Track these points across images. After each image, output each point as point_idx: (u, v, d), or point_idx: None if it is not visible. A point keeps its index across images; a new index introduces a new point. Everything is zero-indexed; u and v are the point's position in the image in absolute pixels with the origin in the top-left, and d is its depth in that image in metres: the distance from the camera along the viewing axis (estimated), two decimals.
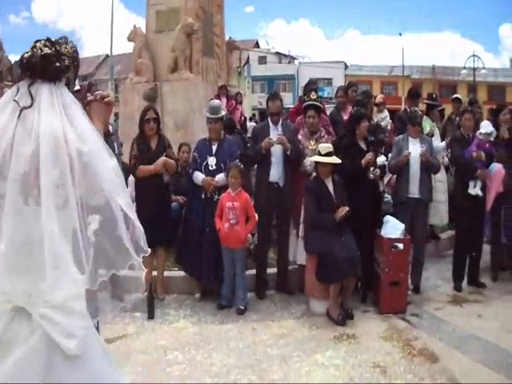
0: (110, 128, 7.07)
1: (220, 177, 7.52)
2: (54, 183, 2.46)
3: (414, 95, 10.60)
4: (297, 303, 7.59)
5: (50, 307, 2.49)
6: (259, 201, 7.77)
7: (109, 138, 6.83)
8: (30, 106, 2.56)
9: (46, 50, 2.64)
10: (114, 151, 7.39)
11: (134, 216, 2.80)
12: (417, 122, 8.20)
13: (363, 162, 7.57)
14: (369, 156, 7.61)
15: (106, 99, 3.17)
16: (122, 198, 2.73)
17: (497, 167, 8.34)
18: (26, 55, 2.63)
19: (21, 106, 2.56)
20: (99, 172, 2.60)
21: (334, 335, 6.52)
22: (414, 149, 8.04)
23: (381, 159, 7.92)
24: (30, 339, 2.47)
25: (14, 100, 2.58)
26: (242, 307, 7.22)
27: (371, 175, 7.64)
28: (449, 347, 6.24)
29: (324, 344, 6.28)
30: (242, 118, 14.67)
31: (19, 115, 2.55)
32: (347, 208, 7.16)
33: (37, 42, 2.68)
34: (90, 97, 3.21)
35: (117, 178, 2.74)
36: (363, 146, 7.92)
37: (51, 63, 2.64)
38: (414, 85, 52.55)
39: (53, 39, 2.71)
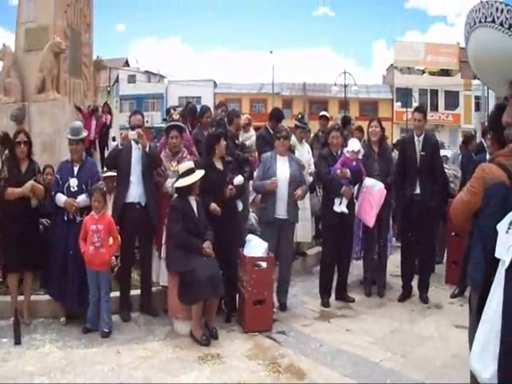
0: None
1: (81, 198, 7.48)
2: None
3: (277, 118, 10.68)
4: (161, 325, 7.59)
5: None
6: (120, 222, 7.73)
7: None
8: None
9: None
10: None
11: None
12: (283, 136, 8.26)
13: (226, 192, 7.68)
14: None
15: None
16: None
17: (379, 186, 8.59)
18: None
19: None
20: None
21: (198, 356, 6.53)
22: (283, 169, 8.17)
23: (237, 179, 7.91)
24: None
25: None
26: (107, 330, 7.17)
27: (228, 194, 7.70)
28: (316, 363, 6.36)
29: (188, 365, 6.30)
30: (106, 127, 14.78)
31: None
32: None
33: None
34: None
35: None
36: (219, 165, 7.97)
37: None
38: (284, 102, 53.91)
39: None
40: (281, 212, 8.14)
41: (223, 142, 7.98)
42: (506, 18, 1.67)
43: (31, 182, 7.39)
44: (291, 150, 9.19)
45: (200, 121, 10.15)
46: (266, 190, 8.14)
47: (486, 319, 2.19)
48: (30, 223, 7.59)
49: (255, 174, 8.77)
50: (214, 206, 7.55)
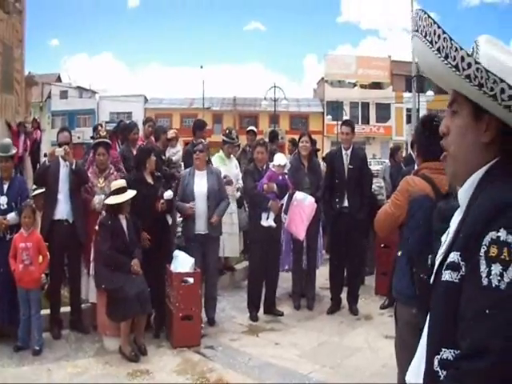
0: None
1: (11, 216, 7.44)
2: None
3: (199, 128, 10.93)
4: (91, 341, 7.56)
5: None
6: (49, 239, 7.69)
7: None
8: None
9: None
10: None
11: None
12: (199, 149, 8.36)
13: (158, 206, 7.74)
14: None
15: None
16: None
17: (309, 199, 8.66)
18: None
19: None
20: None
21: (127, 372, 6.55)
22: (200, 184, 8.24)
23: (167, 194, 7.92)
24: None
25: None
26: (38, 348, 7.12)
27: (160, 208, 7.76)
28: (245, 376, 6.47)
29: (118, 381, 6.32)
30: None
31: None
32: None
33: None
34: None
35: None
36: (150, 180, 8.05)
37: None
38: (214, 117, 54.18)
39: None
40: (201, 228, 8.19)
41: (153, 157, 8.08)
42: (424, 27, 1.79)
43: None
44: (211, 163, 9.24)
45: (127, 137, 10.16)
46: (185, 212, 8.25)
47: (423, 335, 2.28)
48: None
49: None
50: (144, 235, 7.62)
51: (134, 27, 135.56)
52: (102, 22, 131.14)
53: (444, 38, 1.71)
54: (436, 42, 1.73)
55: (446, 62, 1.70)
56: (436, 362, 1.69)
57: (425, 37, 1.77)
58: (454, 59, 1.67)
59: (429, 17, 1.77)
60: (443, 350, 1.66)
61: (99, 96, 66.62)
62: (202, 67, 69.69)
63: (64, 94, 64.81)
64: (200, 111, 58.43)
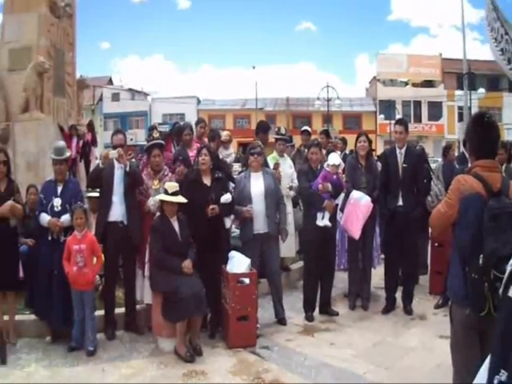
0: None
1: (65, 218, 7.49)
2: None
3: (264, 129, 10.66)
4: (145, 342, 7.59)
5: None
6: (103, 241, 7.75)
7: None
8: None
9: None
10: None
11: None
12: (257, 152, 8.35)
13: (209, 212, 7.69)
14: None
15: None
16: None
17: (366, 199, 8.64)
18: None
19: None
20: None
21: (182, 373, 6.54)
22: (256, 185, 8.25)
23: (225, 197, 7.89)
24: None
25: None
26: (92, 349, 7.17)
27: (210, 214, 7.69)
28: (300, 377, 6.40)
29: (173, 382, 6.31)
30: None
31: None
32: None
33: None
34: None
35: None
36: (207, 182, 8.00)
37: None
38: (267, 117, 53.68)
39: None
40: (259, 227, 8.21)
41: (206, 157, 8.01)
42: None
43: (10, 202, 7.36)
44: (268, 166, 9.24)
45: (181, 138, 10.18)
46: (242, 216, 8.23)
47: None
48: (9, 243, 7.53)
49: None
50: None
51: (184, 29, 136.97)
52: (153, 24, 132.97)
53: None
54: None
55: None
56: (496, 382, 1.58)
57: None
58: None
59: None
60: (502, 371, 1.55)
61: (151, 98, 67.03)
62: (254, 68, 69.73)
63: (116, 97, 65.54)
64: (253, 112, 58.42)
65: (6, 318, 7.53)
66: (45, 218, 7.52)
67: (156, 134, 8.65)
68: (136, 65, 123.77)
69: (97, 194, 8.52)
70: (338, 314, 8.76)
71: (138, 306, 8.21)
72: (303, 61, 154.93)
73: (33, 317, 7.74)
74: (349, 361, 6.88)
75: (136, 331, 7.96)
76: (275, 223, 8.35)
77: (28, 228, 8.19)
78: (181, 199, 7.43)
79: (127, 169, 7.88)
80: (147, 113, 64.20)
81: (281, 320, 8.40)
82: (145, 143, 9.86)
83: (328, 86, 46.66)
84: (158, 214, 7.75)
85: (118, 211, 7.91)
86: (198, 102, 65.59)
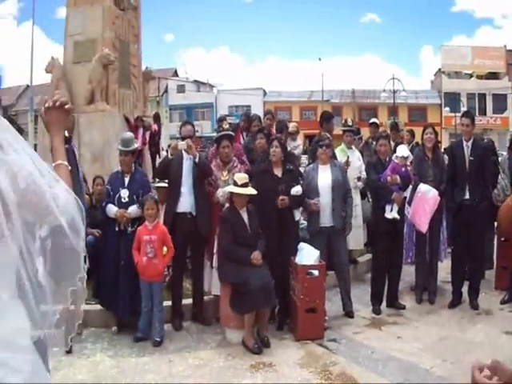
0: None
1: (133, 208, 7.51)
2: None
3: (326, 119, 10.57)
4: (213, 333, 7.56)
5: None
6: (172, 232, 7.68)
7: (69, 144, 6.80)
8: None
9: None
10: (74, 157, 7.34)
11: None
12: (325, 144, 8.27)
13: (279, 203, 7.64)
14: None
15: (65, 106, 2.91)
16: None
17: (433, 192, 8.49)
18: None
19: None
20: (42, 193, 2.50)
21: (250, 364, 6.49)
22: (324, 177, 8.16)
23: (295, 189, 7.82)
24: None
25: None
26: (159, 339, 7.17)
27: (280, 205, 7.64)
28: (367, 370, 6.31)
29: (241, 373, 6.27)
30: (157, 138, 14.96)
31: None
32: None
33: None
34: (46, 104, 2.92)
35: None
36: (278, 173, 7.96)
37: None
38: (333, 109, 53.09)
39: None
40: (326, 220, 8.14)
41: (277, 148, 7.96)
42: None
43: None
44: (336, 158, 9.16)
45: (250, 130, 10.20)
46: (309, 209, 8.17)
47: None
48: None
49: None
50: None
51: (249, 21, 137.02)
52: (218, 16, 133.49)
53: None
54: None
55: None
56: None
57: None
58: None
59: None
60: None
61: (217, 90, 67.27)
62: (320, 59, 68.92)
63: (181, 88, 65.98)
64: (319, 104, 58.14)
65: (72, 307, 7.56)
66: (112, 209, 7.54)
67: (226, 126, 8.64)
68: (201, 57, 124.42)
69: (165, 185, 8.48)
70: (404, 308, 8.64)
71: (205, 297, 8.20)
72: (368, 53, 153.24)
73: (99, 307, 7.78)
74: (415, 354, 6.77)
75: (203, 322, 7.94)
76: (341, 217, 8.26)
77: (95, 219, 8.24)
78: (250, 191, 7.38)
79: (196, 160, 7.84)
80: (213, 104, 64.43)
81: (348, 313, 8.31)
82: (210, 135, 9.87)
83: (394, 78, 46.29)
84: (227, 205, 7.73)
85: (186, 202, 7.89)
86: (264, 93, 65.63)
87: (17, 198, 2.39)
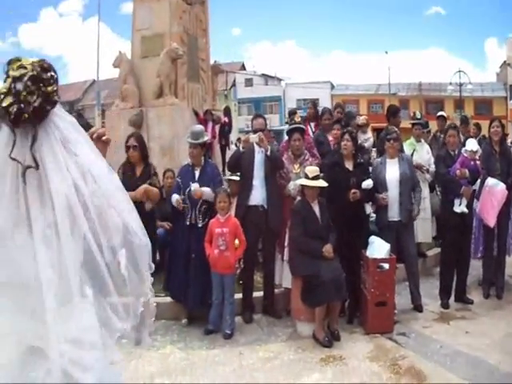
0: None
1: (207, 189, 7.50)
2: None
3: (392, 113, 10.67)
4: (283, 326, 7.56)
5: (65, 343, 2.41)
6: (243, 224, 7.68)
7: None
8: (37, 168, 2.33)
9: (33, 99, 2.32)
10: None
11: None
12: (393, 138, 8.22)
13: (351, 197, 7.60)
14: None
15: (103, 138, 2.82)
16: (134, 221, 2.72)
17: (501, 185, 8.35)
18: (12, 109, 2.29)
19: (23, 164, 2.32)
20: (112, 207, 2.54)
21: (320, 357, 6.48)
22: (392, 171, 8.11)
23: (366, 183, 7.79)
24: (47, 380, 2.37)
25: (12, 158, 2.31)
26: (229, 332, 7.20)
27: (351, 199, 7.61)
28: (436, 365, 6.23)
29: (311, 367, 6.26)
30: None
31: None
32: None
33: (16, 80, 2.33)
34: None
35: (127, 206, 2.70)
36: (349, 166, 7.93)
37: (43, 111, 2.37)
38: (400, 102, 52.45)
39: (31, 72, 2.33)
40: (393, 214, 8.07)
41: (348, 142, 7.92)
42: None
43: (144, 185, 7.51)
44: (403, 151, 9.13)
45: (320, 123, 10.19)
46: (377, 203, 8.14)
47: None
48: (145, 227, 7.60)
49: None
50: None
51: (314, 15, 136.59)
52: (283, 9, 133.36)
53: None
54: None
55: None
56: None
57: None
58: None
59: None
60: None
61: (285, 83, 67.27)
62: (386, 52, 68.31)
63: (249, 82, 66.16)
64: (386, 97, 57.49)
65: (142, 299, 7.62)
66: (174, 197, 7.60)
67: (298, 119, 8.59)
68: (268, 51, 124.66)
69: (237, 178, 8.48)
70: (472, 303, 8.49)
71: (276, 290, 8.19)
72: (433, 46, 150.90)
73: (168, 299, 7.83)
74: (483, 350, 6.63)
75: (274, 315, 7.93)
76: (408, 211, 8.17)
77: (165, 212, 8.29)
78: (322, 183, 7.36)
79: (268, 153, 7.83)
80: (281, 98, 64.47)
81: (417, 306, 8.22)
82: (279, 128, 9.87)
83: (460, 71, 45.52)
84: (298, 197, 7.69)
85: (258, 195, 7.90)
86: (332, 87, 65.28)
87: (89, 193, 2.41)
